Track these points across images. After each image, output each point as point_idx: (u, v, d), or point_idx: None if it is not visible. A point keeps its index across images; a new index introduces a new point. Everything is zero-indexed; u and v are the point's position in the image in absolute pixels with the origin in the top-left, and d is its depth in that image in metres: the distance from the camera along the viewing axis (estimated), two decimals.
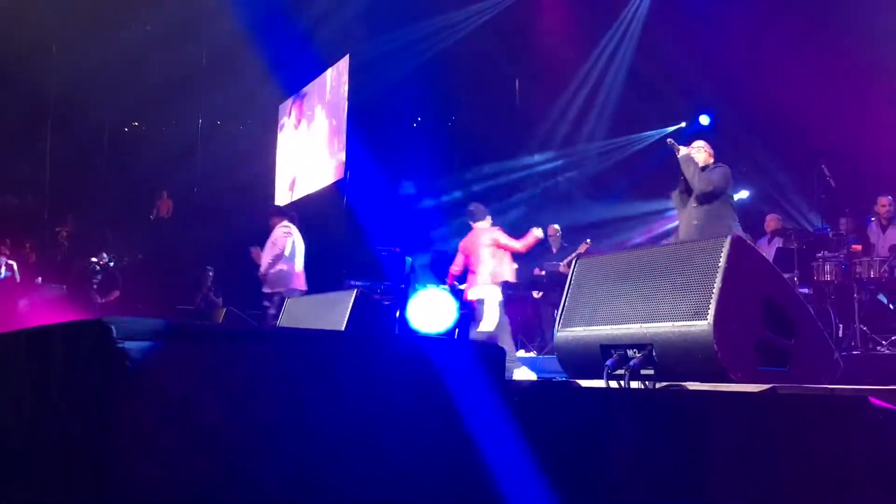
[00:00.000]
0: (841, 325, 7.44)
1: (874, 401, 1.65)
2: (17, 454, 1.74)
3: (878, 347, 6.85)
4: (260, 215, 9.43)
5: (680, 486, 2.03)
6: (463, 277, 7.60)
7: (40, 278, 10.39)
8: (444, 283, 9.64)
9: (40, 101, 11.93)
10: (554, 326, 3.18)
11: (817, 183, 8.01)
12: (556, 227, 10.02)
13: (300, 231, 8.31)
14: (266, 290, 7.94)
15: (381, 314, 7.57)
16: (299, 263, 7.99)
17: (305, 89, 11.55)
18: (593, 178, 12.12)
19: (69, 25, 10.82)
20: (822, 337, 2.98)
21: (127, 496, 1.43)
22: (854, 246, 7.67)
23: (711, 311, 2.51)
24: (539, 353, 8.86)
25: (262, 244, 8.18)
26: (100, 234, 12.00)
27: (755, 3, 9.96)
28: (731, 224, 5.36)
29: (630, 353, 2.73)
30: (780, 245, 8.08)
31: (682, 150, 5.74)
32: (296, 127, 11.95)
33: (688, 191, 5.64)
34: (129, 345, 1.46)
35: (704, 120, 11.32)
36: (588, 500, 2.12)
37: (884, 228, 7.79)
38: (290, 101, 12.09)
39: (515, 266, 7.60)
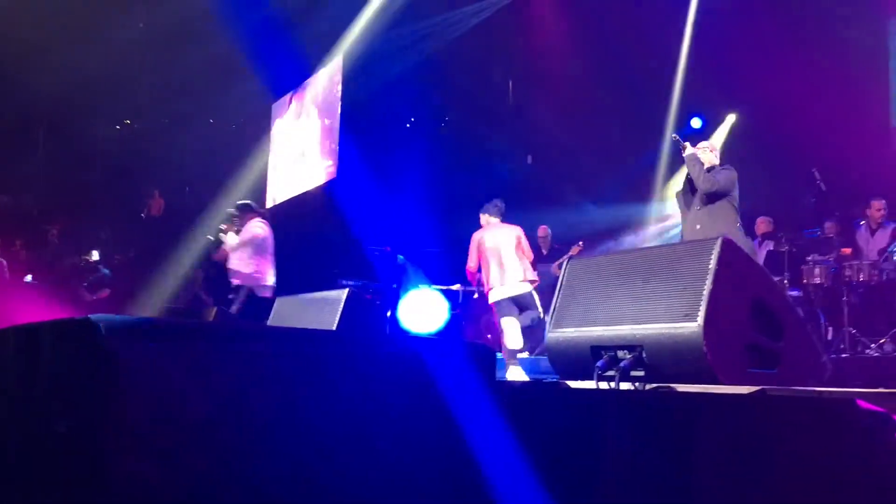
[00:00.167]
0: (830, 328, 7.49)
1: (861, 403, 1.66)
2: (5, 454, 1.73)
3: (867, 350, 6.89)
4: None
5: (669, 488, 2.04)
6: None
7: (30, 276, 10.34)
8: (435, 283, 9.65)
9: (34, 99, 11.87)
10: (545, 327, 3.19)
11: (808, 187, 8.06)
12: (547, 228, 10.05)
13: (290, 230, 8.25)
14: (235, 282, 7.69)
15: (372, 314, 7.54)
16: (271, 261, 7.84)
17: (298, 89, 11.54)
18: (586, 180, 12.14)
19: (63, 24, 10.77)
20: (811, 339, 3.00)
21: (117, 496, 1.42)
22: (843, 249, 7.72)
23: (701, 314, 2.52)
24: (531, 354, 8.88)
25: None
26: (91, 233, 11.96)
27: (747, 8, 10.00)
28: (734, 229, 5.35)
29: (620, 354, 2.73)
30: (771, 248, 8.12)
31: (688, 149, 5.68)
32: (286, 127, 11.94)
33: (692, 191, 5.59)
34: (118, 344, 1.46)
35: (696, 123, 11.37)
36: (578, 501, 2.13)
37: (873, 232, 7.83)
38: (282, 100, 12.08)
39: None
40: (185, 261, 10.72)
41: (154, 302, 10.26)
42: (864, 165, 8.95)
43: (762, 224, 8.64)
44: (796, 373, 2.77)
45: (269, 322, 5.51)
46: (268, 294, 7.59)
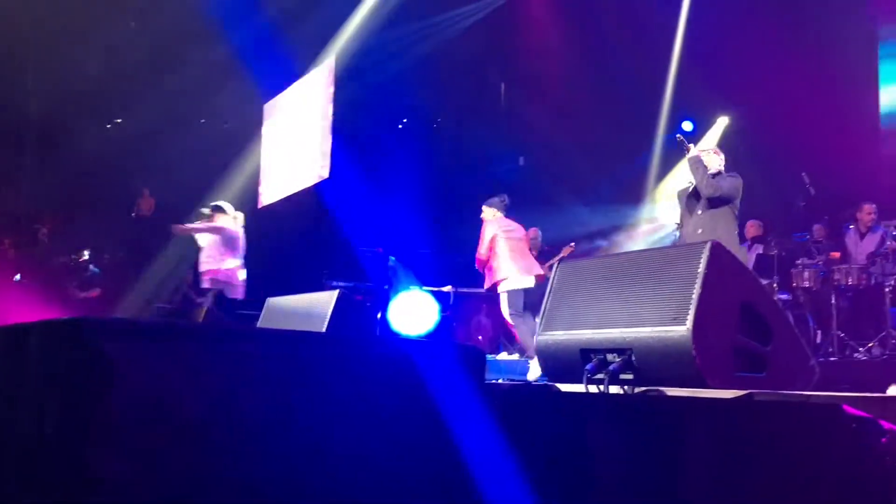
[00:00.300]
0: (819, 331, 7.53)
1: (848, 409, 1.67)
2: None
3: (856, 354, 6.93)
4: (243, 215, 9.37)
5: (657, 490, 2.04)
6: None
7: (19, 275, 10.28)
8: (426, 284, 9.64)
9: (22, 98, 11.81)
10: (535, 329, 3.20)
11: (798, 190, 8.10)
12: (537, 230, 10.06)
13: (281, 231, 8.23)
14: (206, 285, 7.61)
15: (362, 315, 7.53)
16: (240, 259, 7.79)
17: (291, 89, 11.51)
18: (577, 181, 12.16)
19: (55, 25, 10.73)
20: (799, 343, 3.02)
21: (106, 496, 1.42)
22: (832, 253, 7.76)
23: (690, 317, 2.53)
24: (521, 356, 8.88)
25: (248, 243, 8.07)
26: (81, 232, 11.90)
27: (739, 12, 10.05)
28: (733, 237, 5.31)
29: (610, 357, 2.74)
30: (760, 251, 8.15)
31: (692, 151, 5.57)
32: (278, 128, 11.91)
33: (696, 195, 5.49)
34: (106, 344, 1.45)
35: (688, 126, 11.41)
36: (566, 503, 2.14)
37: (862, 236, 7.87)
38: (274, 101, 12.05)
39: None
40: (174, 260, 10.69)
41: (144, 302, 10.23)
42: (853, 169, 9.01)
43: (752, 227, 8.67)
44: (784, 376, 2.79)
45: (259, 323, 5.50)
46: (238, 295, 7.54)
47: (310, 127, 10.49)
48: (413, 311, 8.79)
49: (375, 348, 2.05)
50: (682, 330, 2.54)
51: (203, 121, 12.82)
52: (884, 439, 1.62)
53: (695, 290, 2.57)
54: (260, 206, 11.31)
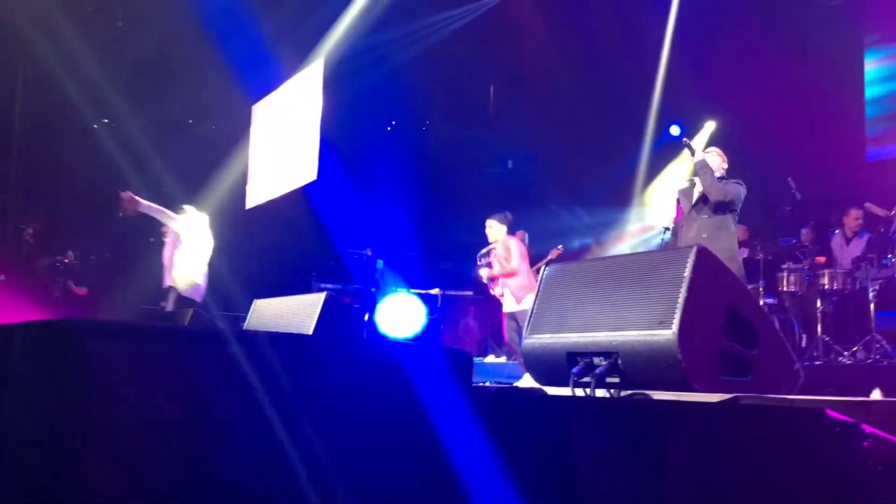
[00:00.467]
0: (804, 335, 7.59)
1: (830, 413, 1.69)
2: None
3: (840, 358, 6.98)
4: (231, 216, 9.36)
5: (642, 493, 2.05)
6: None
7: (3, 276, 10.21)
8: (414, 287, 9.64)
9: (7, 98, 11.73)
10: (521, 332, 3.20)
11: (784, 195, 8.15)
12: (524, 233, 10.07)
13: (269, 233, 8.21)
14: (167, 282, 7.55)
15: (350, 318, 7.52)
16: (204, 261, 7.73)
17: (279, 90, 11.49)
18: (566, 184, 12.20)
19: (42, 23, 10.66)
20: (784, 347, 3.03)
21: (91, 497, 1.42)
22: (818, 258, 7.81)
23: (676, 321, 2.54)
24: (508, 359, 8.90)
25: (236, 244, 8.04)
26: (66, 233, 11.83)
27: (726, 17, 10.11)
28: (735, 244, 5.38)
29: (596, 361, 2.75)
30: (746, 255, 8.20)
31: (698, 154, 5.56)
32: (266, 129, 11.89)
33: (704, 199, 5.48)
34: (90, 345, 1.45)
35: (675, 130, 11.46)
36: None
37: (848, 241, 7.93)
38: (262, 102, 12.02)
39: None
40: (160, 261, 10.63)
41: (130, 302, 10.17)
42: (839, 175, 9.08)
43: (738, 232, 8.72)
44: (769, 380, 2.81)
45: (246, 325, 5.48)
46: (198, 298, 7.50)
47: (298, 129, 10.48)
48: (401, 314, 8.80)
49: (363, 351, 2.05)
50: (667, 334, 2.55)
51: (191, 121, 12.78)
52: (866, 443, 1.63)
53: (681, 295, 2.58)
54: (247, 207, 11.29)
